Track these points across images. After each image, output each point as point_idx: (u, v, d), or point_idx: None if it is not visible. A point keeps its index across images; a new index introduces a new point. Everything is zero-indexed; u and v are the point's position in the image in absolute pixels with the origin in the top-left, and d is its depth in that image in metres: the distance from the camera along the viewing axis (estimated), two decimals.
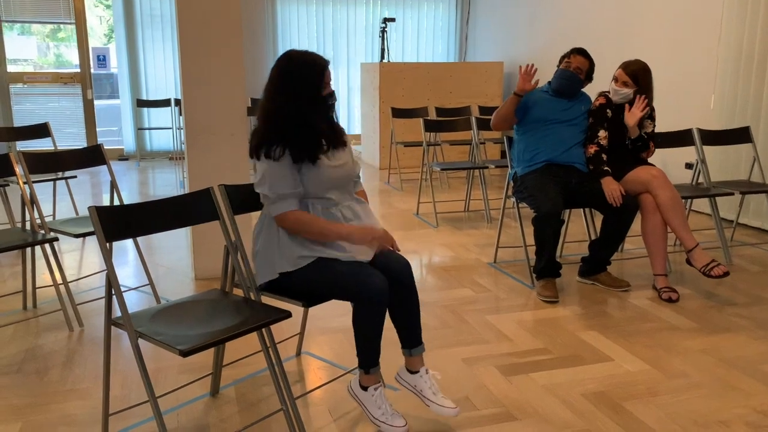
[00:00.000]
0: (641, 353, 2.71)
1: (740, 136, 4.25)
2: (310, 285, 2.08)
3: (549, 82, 3.64)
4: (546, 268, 3.38)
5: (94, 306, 3.23)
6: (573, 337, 2.87)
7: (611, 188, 3.30)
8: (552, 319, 3.07)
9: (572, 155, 3.51)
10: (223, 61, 3.47)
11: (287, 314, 1.99)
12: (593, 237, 3.87)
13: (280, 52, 8.79)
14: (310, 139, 2.08)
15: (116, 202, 3.38)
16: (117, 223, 1.91)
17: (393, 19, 7.59)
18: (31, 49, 9.07)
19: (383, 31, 7.48)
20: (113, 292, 1.86)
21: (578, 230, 4.54)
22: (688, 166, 5.33)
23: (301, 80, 2.07)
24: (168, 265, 3.89)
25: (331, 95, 2.16)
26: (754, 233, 4.66)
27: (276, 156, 2.04)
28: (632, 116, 3.45)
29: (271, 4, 8.42)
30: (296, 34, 8.58)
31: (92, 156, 3.35)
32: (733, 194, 3.84)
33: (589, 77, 3.57)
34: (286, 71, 2.09)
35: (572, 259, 4.01)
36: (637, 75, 3.49)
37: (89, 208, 1.86)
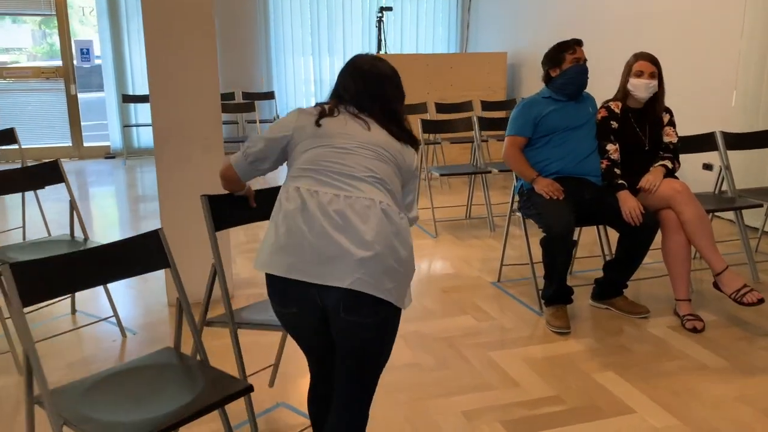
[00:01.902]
0: (667, 402, 2.36)
1: (766, 139, 3.89)
2: None
3: (547, 87, 3.23)
4: (556, 294, 3.03)
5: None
6: (588, 380, 2.53)
7: (629, 206, 2.94)
8: (564, 356, 2.73)
9: (586, 166, 3.16)
10: (193, 55, 3.11)
11: (248, 388, 1.65)
12: (606, 254, 3.53)
13: (273, 42, 8.47)
14: None
15: (77, 228, 3.02)
16: (34, 283, 1.56)
17: (390, 8, 7.19)
18: (26, 37, 8.71)
19: (380, 20, 7.09)
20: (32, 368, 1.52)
21: (589, 240, 4.19)
22: (706, 167, 4.96)
23: None
24: (140, 288, 3.56)
25: None
26: None
27: None
28: (649, 184, 3.08)
29: None
30: (289, 23, 8.17)
31: (48, 174, 2.99)
32: (761, 206, 3.48)
33: None
34: (401, 82, 1.86)
35: (582, 277, 3.66)
36: (658, 65, 3.13)
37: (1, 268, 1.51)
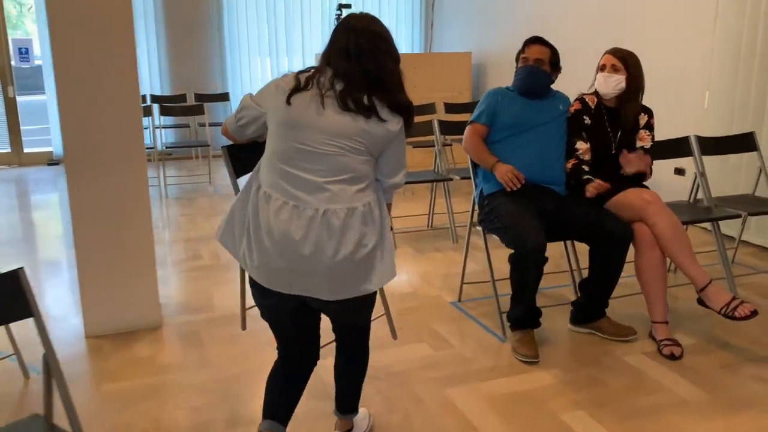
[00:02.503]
0: None
1: (743, 143, 3.64)
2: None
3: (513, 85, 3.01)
4: (524, 317, 2.73)
5: None
6: (556, 421, 2.23)
7: (593, 186, 2.76)
8: (530, 392, 2.42)
9: (551, 173, 2.87)
10: (108, 55, 2.73)
11: None
12: (574, 268, 3.24)
13: (227, 41, 8.03)
14: None
15: None
16: None
17: (349, 5, 6.86)
18: None
19: (338, 18, 6.74)
20: None
21: (555, 252, 3.90)
22: (678, 171, 4.73)
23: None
24: (55, 315, 3.16)
25: None
26: (757, 252, 4.08)
27: None
28: (630, 164, 2.85)
29: None
30: (245, 21, 7.78)
31: None
32: (740, 216, 3.23)
33: (555, 67, 2.95)
34: (394, 43, 1.84)
35: (549, 295, 3.37)
36: (627, 59, 2.89)
37: None
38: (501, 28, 6.89)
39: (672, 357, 2.67)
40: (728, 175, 4.22)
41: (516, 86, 2.97)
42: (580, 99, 2.99)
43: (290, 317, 1.85)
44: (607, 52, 2.93)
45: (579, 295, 2.93)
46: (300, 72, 1.79)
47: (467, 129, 2.98)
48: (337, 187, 1.69)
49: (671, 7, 4.66)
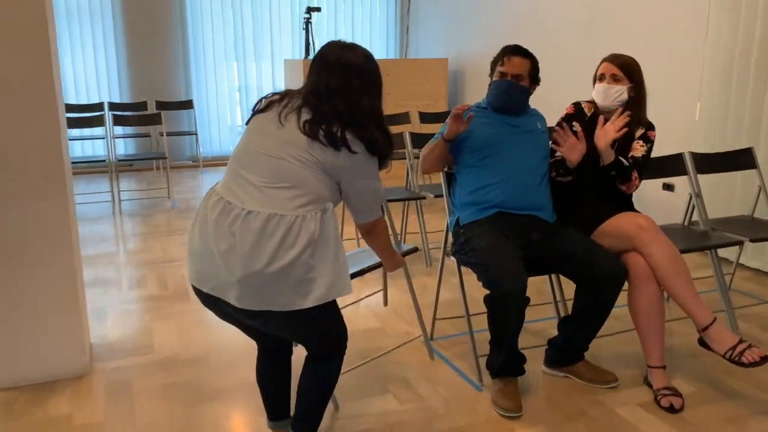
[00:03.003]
0: None
1: (741, 159, 3.34)
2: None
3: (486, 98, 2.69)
4: (506, 365, 2.38)
5: None
6: None
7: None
8: None
9: (534, 198, 2.53)
10: (18, 62, 2.33)
11: None
12: (559, 300, 2.90)
13: (191, 46, 7.55)
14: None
15: None
16: None
17: (318, 9, 6.50)
18: None
19: (307, 22, 6.38)
20: None
21: (538, 279, 3.56)
22: (666, 187, 4.43)
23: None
24: None
25: None
26: (755, 277, 3.78)
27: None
28: (604, 135, 2.51)
29: None
30: (210, 26, 7.38)
31: None
32: (741, 243, 2.91)
33: (534, 80, 2.62)
34: (377, 72, 1.84)
35: (531, 330, 3.02)
36: (631, 67, 2.58)
37: None
38: (479, 33, 6.57)
39: (671, 409, 2.34)
40: (721, 191, 3.92)
41: (490, 102, 2.64)
42: (576, 104, 2.69)
43: (232, 320, 1.84)
44: (605, 60, 2.62)
45: (558, 333, 2.59)
46: (267, 96, 1.85)
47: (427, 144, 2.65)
48: (273, 192, 1.69)
49: (659, 12, 4.36)
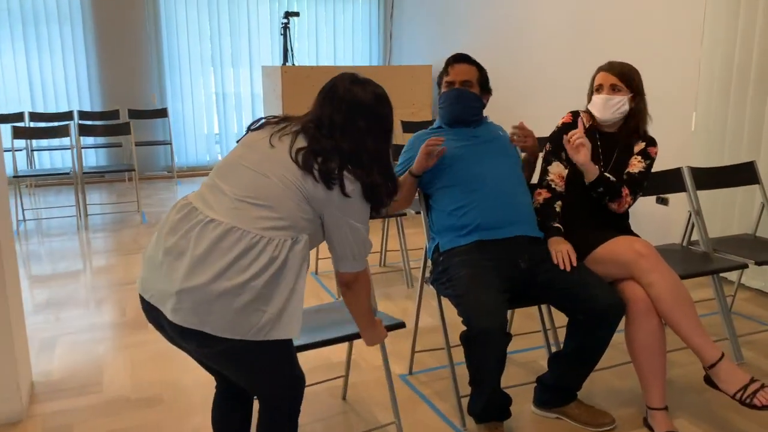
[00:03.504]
0: None
1: (743, 174, 3.11)
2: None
3: (439, 119, 2.50)
4: (488, 409, 2.13)
5: None
6: None
7: (558, 248, 2.21)
8: None
9: (513, 212, 2.27)
10: None
11: None
12: (548, 327, 2.64)
13: (166, 53, 7.22)
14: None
15: None
16: None
17: (297, 14, 6.25)
18: None
19: (285, 27, 6.12)
20: None
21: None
22: (661, 200, 4.20)
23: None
24: None
25: None
26: (756, 298, 3.55)
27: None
28: (576, 149, 2.29)
29: None
30: (185, 31, 7.10)
31: None
32: (746, 266, 2.68)
33: (485, 89, 2.45)
34: (386, 115, 1.70)
35: (517, 362, 2.77)
36: (630, 76, 2.37)
37: None
38: (464, 40, 6.34)
39: None
40: (719, 207, 3.70)
41: (443, 117, 2.43)
42: (574, 113, 2.47)
43: (174, 343, 1.62)
44: (601, 70, 2.40)
45: (548, 370, 2.34)
46: (267, 117, 1.74)
47: None
48: (246, 206, 1.54)
49: (652, 17, 4.15)
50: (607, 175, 2.32)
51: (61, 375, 2.68)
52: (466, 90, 2.37)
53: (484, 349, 1.97)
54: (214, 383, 1.81)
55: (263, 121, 1.72)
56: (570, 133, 2.31)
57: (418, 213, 3.56)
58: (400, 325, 2.06)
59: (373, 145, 1.63)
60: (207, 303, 1.46)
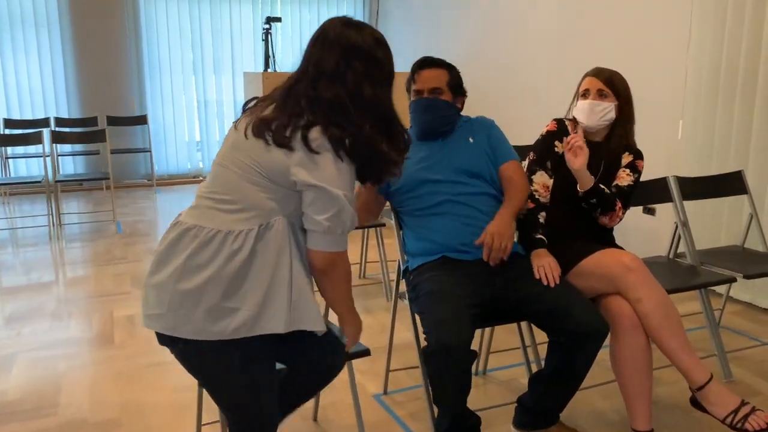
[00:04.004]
0: None
1: (730, 184, 3.02)
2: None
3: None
4: (454, 430, 2.00)
5: None
6: None
7: (542, 262, 2.07)
8: None
9: (481, 225, 2.13)
10: None
11: None
12: (528, 344, 2.52)
13: (146, 59, 7.03)
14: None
15: None
16: None
17: (279, 19, 6.13)
18: None
19: (267, 33, 6.00)
20: None
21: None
22: (647, 210, 4.11)
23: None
24: None
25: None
26: (745, 311, 3.45)
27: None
28: (574, 154, 2.18)
29: (132, 1, 6.77)
30: (166, 36, 6.97)
31: None
32: (735, 281, 2.58)
33: (458, 92, 2.25)
34: (386, 61, 1.53)
35: (494, 379, 2.65)
36: (615, 81, 2.27)
37: None
38: (447, 46, 6.25)
39: None
40: (706, 218, 3.60)
41: (412, 130, 2.25)
42: (559, 120, 2.35)
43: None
44: (588, 75, 2.31)
45: (528, 391, 2.21)
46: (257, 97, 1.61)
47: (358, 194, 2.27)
48: (207, 202, 1.48)
49: (637, 25, 4.06)
50: (602, 186, 2.22)
51: (15, 396, 2.53)
52: (435, 99, 2.18)
53: (444, 365, 1.84)
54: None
55: (253, 102, 1.59)
56: (570, 137, 2.20)
57: None
58: (365, 353, 1.92)
59: (371, 91, 1.46)
60: (174, 303, 1.41)
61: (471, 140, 2.24)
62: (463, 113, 2.33)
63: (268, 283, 1.41)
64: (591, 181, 2.19)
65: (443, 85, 2.19)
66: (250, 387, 1.48)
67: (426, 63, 2.21)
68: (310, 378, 1.69)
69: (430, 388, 1.96)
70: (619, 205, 2.25)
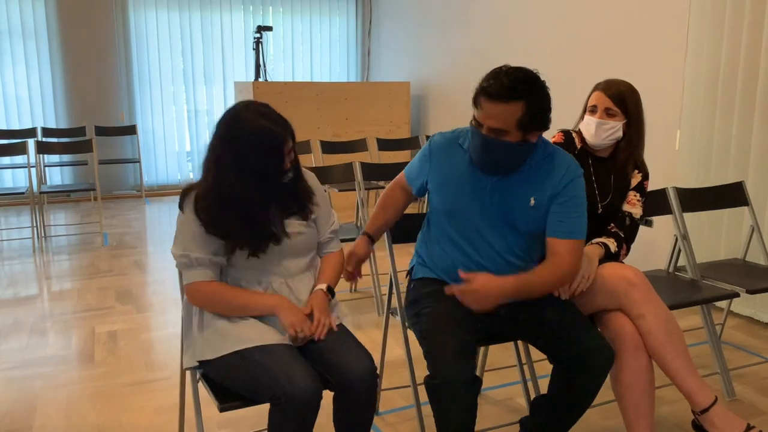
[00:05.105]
0: None
1: (731, 196, 2.94)
2: (227, 381, 1.71)
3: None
4: None
5: None
6: None
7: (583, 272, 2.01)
8: None
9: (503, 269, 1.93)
10: None
11: None
12: (524, 362, 2.41)
13: (135, 68, 6.91)
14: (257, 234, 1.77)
15: None
16: None
17: (270, 28, 6.06)
18: None
19: (258, 42, 5.93)
20: None
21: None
22: (645, 222, 4.01)
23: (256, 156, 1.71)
24: None
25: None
26: (746, 326, 3.36)
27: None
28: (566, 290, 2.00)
29: (121, 11, 6.69)
30: (156, 46, 6.89)
31: None
32: (738, 296, 2.49)
33: (529, 128, 1.77)
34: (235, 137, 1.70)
35: (491, 399, 2.55)
36: (625, 98, 2.17)
37: None
38: (441, 57, 6.18)
39: None
40: (705, 230, 3.52)
41: (469, 153, 1.92)
42: (566, 132, 2.26)
43: None
44: (598, 89, 2.22)
45: (530, 415, 2.11)
46: None
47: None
48: None
49: (634, 34, 4.00)
50: (626, 215, 2.20)
51: None
52: (494, 140, 1.77)
53: (449, 400, 1.73)
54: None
55: None
56: (576, 285, 1.97)
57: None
58: None
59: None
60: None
61: (532, 202, 1.87)
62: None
63: (198, 323, 1.81)
64: (600, 255, 2.09)
65: (510, 126, 1.74)
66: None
67: (495, 95, 1.71)
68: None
69: (435, 418, 1.84)
70: (624, 250, 2.24)
